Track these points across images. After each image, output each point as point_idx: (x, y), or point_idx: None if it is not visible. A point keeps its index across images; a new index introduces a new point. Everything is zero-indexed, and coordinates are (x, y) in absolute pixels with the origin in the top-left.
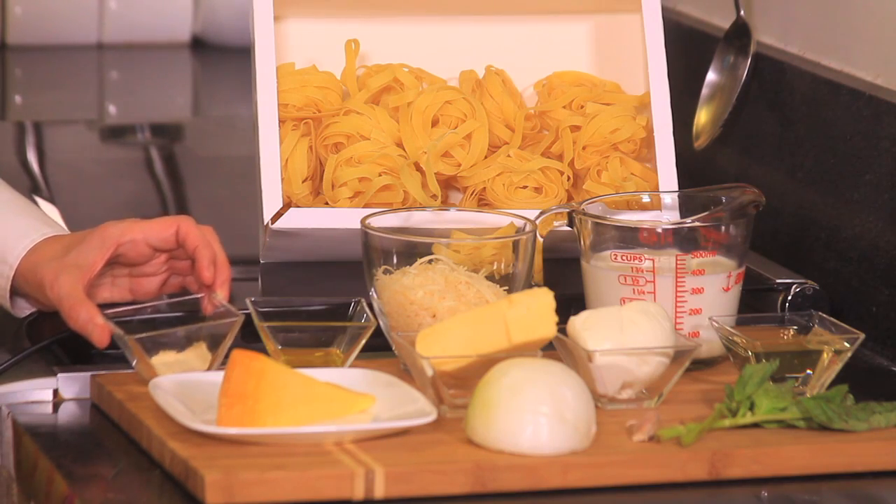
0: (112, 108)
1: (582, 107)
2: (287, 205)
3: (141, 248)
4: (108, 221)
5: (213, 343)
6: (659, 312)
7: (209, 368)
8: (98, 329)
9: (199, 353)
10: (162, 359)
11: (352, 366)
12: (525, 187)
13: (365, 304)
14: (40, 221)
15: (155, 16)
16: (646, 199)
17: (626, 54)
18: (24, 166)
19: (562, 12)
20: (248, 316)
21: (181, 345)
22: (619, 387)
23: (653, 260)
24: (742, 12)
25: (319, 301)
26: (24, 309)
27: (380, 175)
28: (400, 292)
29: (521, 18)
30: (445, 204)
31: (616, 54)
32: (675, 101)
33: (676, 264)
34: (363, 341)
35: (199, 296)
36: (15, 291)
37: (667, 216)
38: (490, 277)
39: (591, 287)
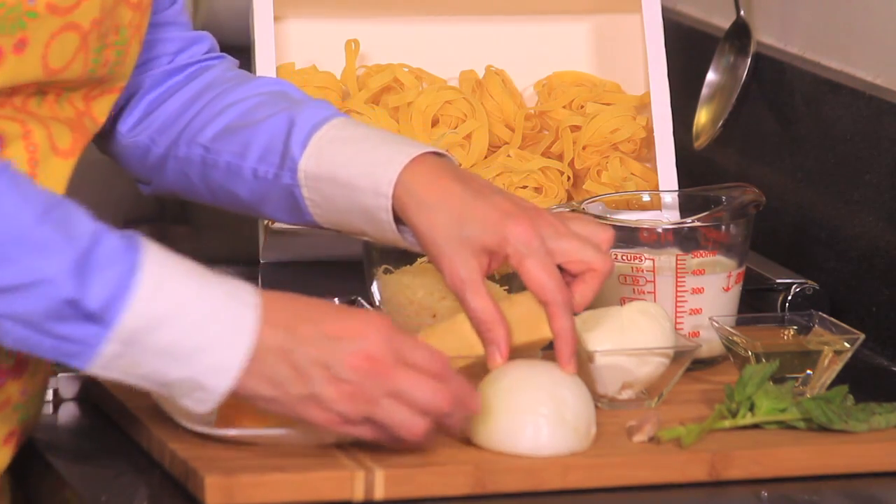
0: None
1: (582, 107)
2: None
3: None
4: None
5: None
6: (659, 312)
7: None
8: (501, 327)
9: None
10: None
11: None
12: (525, 187)
13: (364, 303)
14: (404, 144)
15: None
16: (646, 198)
17: (626, 54)
18: None
19: (562, 12)
20: None
21: None
22: (619, 387)
23: (653, 260)
24: (742, 12)
25: None
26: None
27: None
28: (400, 292)
29: (521, 18)
30: None
31: (616, 54)
32: (675, 101)
33: (676, 264)
34: None
35: None
36: (400, 221)
37: (667, 216)
38: (490, 277)
39: None
